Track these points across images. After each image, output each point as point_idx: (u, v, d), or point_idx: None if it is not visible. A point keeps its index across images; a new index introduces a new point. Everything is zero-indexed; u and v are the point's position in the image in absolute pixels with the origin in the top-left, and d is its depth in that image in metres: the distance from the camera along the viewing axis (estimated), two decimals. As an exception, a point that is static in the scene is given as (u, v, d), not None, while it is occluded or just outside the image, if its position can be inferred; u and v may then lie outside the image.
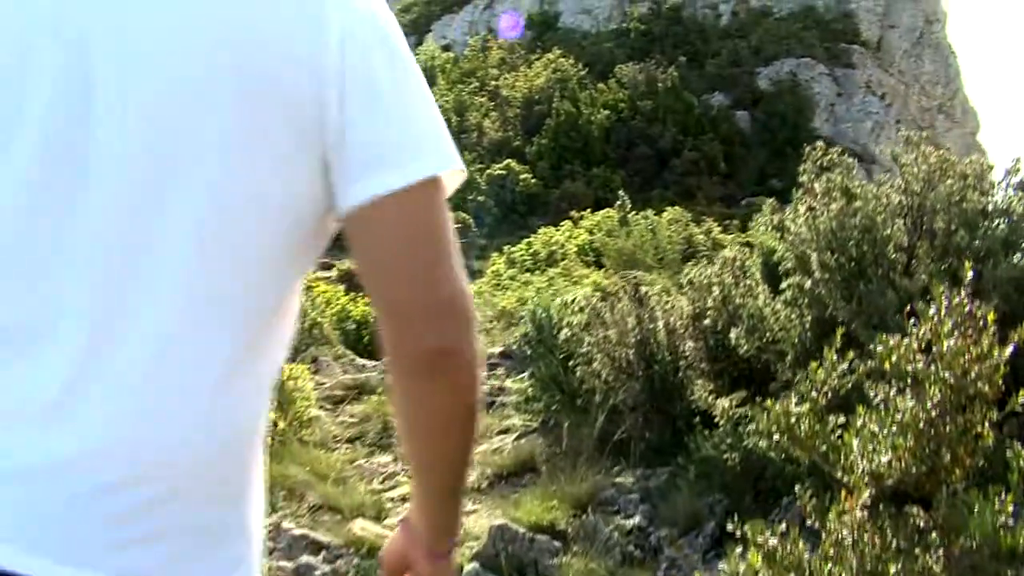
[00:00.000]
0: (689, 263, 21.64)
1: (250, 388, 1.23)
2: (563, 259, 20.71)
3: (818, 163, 5.25)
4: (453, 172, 1.25)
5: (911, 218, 4.65)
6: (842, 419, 2.74)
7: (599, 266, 20.96)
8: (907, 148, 4.92)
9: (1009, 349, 2.53)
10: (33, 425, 1.12)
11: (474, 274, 19.42)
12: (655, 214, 23.49)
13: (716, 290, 5.69)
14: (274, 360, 1.28)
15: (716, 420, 4.88)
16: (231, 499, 1.25)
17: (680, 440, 5.71)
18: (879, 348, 2.66)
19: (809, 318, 4.78)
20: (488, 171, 36.81)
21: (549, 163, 37.41)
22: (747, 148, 36.46)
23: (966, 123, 47.93)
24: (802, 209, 4.98)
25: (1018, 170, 4.64)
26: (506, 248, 24.09)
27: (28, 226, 1.13)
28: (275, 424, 6.53)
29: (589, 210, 26.53)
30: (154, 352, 1.14)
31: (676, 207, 26.23)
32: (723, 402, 4.74)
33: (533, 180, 35.97)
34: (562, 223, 24.29)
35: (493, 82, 46.91)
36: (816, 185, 5.09)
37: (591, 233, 23.86)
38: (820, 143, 5.51)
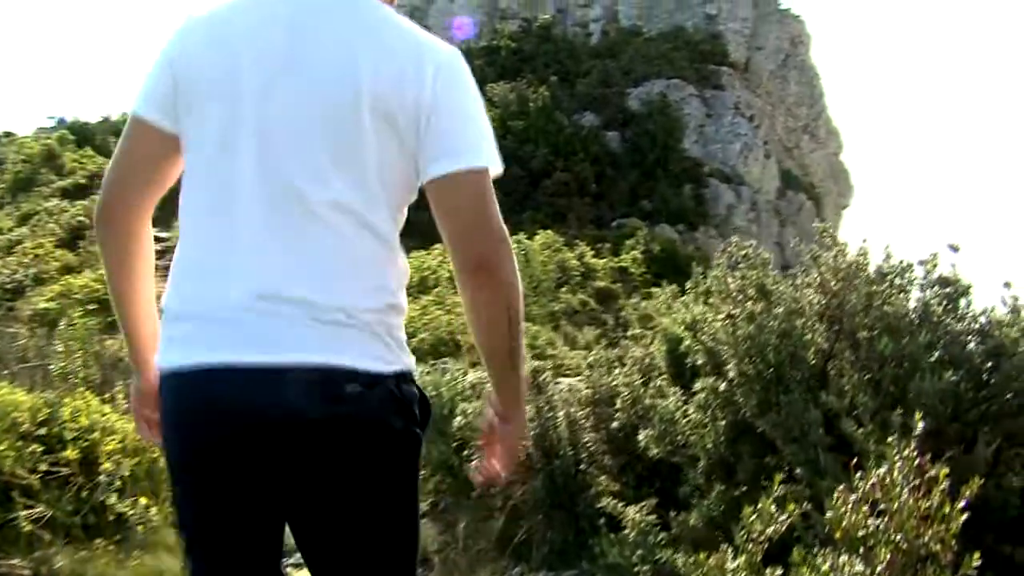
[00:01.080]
0: (592, 333, 20.94)
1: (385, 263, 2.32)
2: (436, 286, 20.02)
3: (732, 259, 4.88)
4: (495, 167, 2.23)
5: (830, 323, 4.31)
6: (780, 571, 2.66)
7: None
8: (824, 245, 4.57)
9: (962, 506, 2.38)
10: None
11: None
12: (527, 237, 23.06)
13: (624, 391, 5.24)
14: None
15: (622, 523, 4.49)
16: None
17: (585, 541, 5.29)
18: (828, 514, 2.45)
19: (723, 423, 4.41)
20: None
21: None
22: (618, 169, 36.41)
23: (830, 143, 48.90)
24: (720, 316, 4.60)
25: (935, 264, 4.32)
26: (376, 275, 23.54)
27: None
28: (147, 509, 5.84)
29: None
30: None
31: (548, 231, 25.86)
32: (632, 511, 4.32)
33: (404, 200, 35.31)
34: (433, 247, 23.76)
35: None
36: (730, 281, 4.71)
37: (463, 258, 23.44)
38: (734, 240, 5.10)
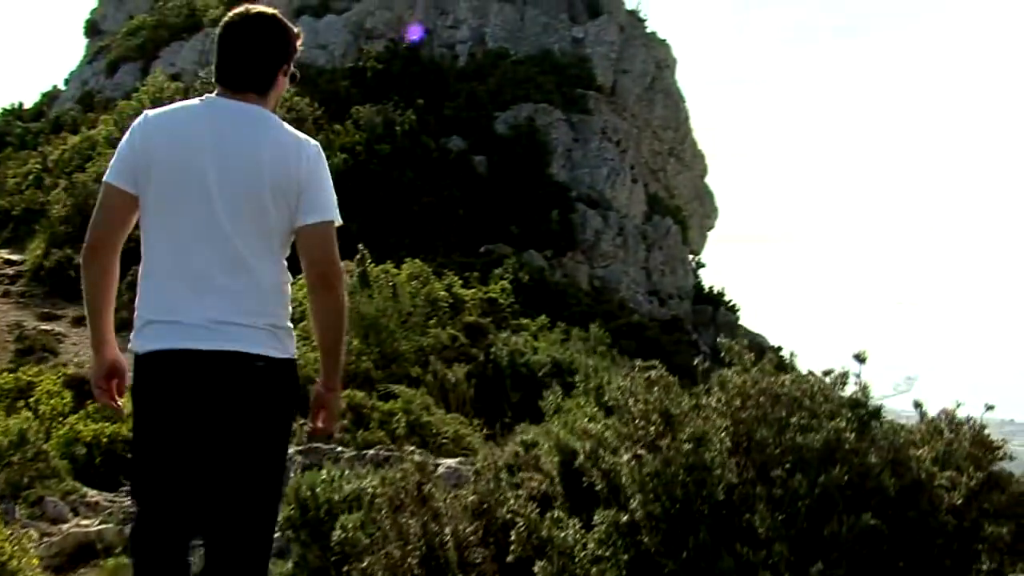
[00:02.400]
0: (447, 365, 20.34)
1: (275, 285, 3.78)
2: (303, 319, 19.20)
3: (644, 377, 4.57)
4: (338, 220, 3.77)
5: (741, 454, 4.04)
6: None
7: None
8: (738, 369, 4.31)
9: None
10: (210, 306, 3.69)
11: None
12: (395, 266, 22.55)
13: (520, 522, 4.86)
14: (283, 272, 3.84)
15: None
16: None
17: None
18: None
19: (626, 558, 4.10)
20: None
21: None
22: (485, 194, 36.13)
23: (695, 166, 49.48)
24: (624, 455, 4.28)
25: (845, 381, 4.10)
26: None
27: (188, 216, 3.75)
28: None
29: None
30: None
31: (416, 260, 25.35)
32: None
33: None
34: (299, 277, 22.94)
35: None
36: (632, 405, 4.41)
37: (329, 290, 22.72)
38: (638, 364, 4.78)
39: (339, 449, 7.20)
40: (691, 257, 42.99)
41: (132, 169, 3.75)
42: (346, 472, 6.39)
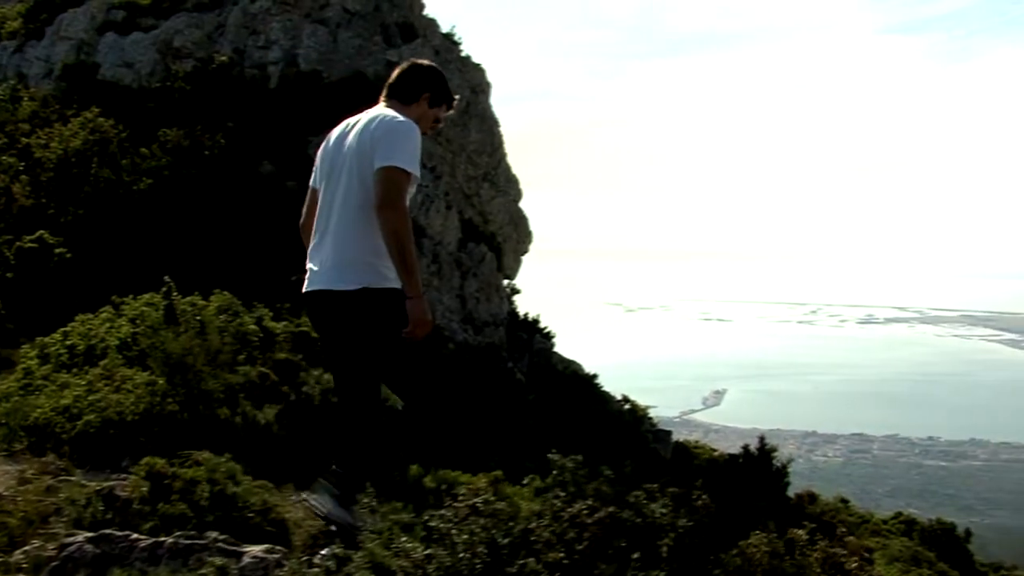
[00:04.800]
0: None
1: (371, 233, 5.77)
2: (103, 356, 18.08)
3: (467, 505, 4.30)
4: (404, 166, 5.74)
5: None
6: None
7: (145, 367, 18.64)
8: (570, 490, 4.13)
9: None
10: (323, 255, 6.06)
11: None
12: (203, 298, 21.69)
13: None
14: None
15: None
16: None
17: None
18: None
19: None
20: (18, 244, 33.33)
21: (88, 237, 34.36)
22: (297, 221, 35.45)
23: (509, 191, 49.65)
24: None
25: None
26: (39, 339, 21.22)
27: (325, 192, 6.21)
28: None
29: (131, 295, 24.33)
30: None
31: (225, 292, 24.50)
32: None
33: (70, 256, 32.81)
34: (102, 310, 21.96)
35: (24, 139, 42.62)
36: (456, 535, 4.15)
37: (135, 324, 21.62)
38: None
39: (133, 536, 6.73)
40: (506, 283, 43.13)
41: (317, 172, 6.59)
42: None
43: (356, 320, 5.66)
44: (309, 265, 6.06)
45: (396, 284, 5.65)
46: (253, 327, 23.85)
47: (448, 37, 49.55)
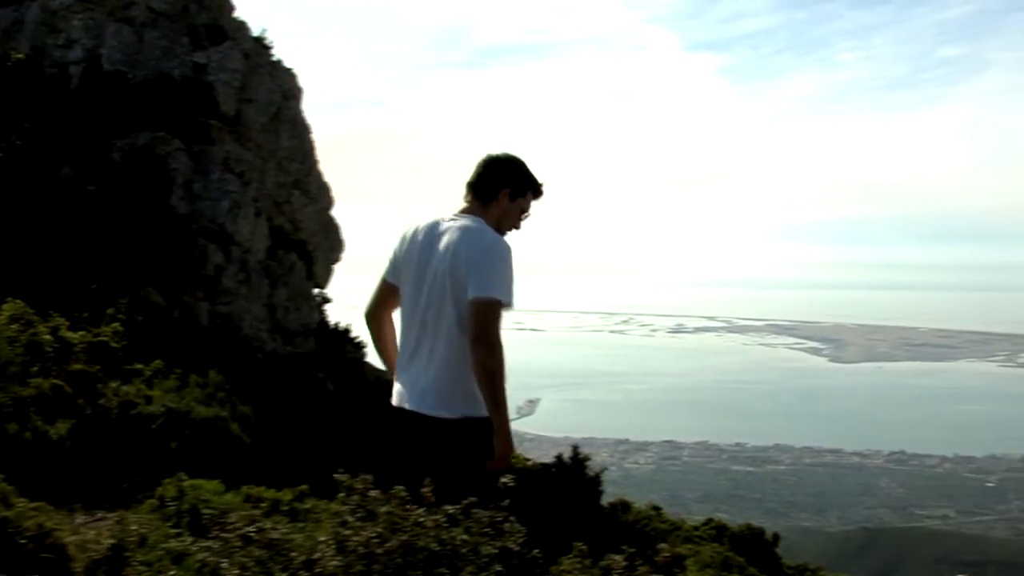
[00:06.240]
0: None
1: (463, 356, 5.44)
2: None
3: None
4: (501, 297, 5.43)
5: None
6: None
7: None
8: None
9: None
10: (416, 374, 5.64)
11: None
12: (-6, 307, 20.82)
13: None
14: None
15: None
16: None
17: None
18: None
19: None
20: None
21: None
22: (98, 226, 34.08)
23: (321, 199, 48.90)
24: None
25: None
26: None
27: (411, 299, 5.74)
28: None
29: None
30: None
31: (18, 300, 23.46)
32: None
33: None
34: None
35: None
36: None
37: (-86, 333, 20.54)
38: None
39: None
40: (316, 292, 42.51)
41: (392, 268, 6.17)
42: None
43: (453, 448, 5.50)
44: (398, 379, 5.80)
45: None
46: (48, 337, 22.73)
47: (259, 41, 48.48)
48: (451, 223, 5.74)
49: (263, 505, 11.10)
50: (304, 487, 13.00)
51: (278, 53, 49.20)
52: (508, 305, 5.49)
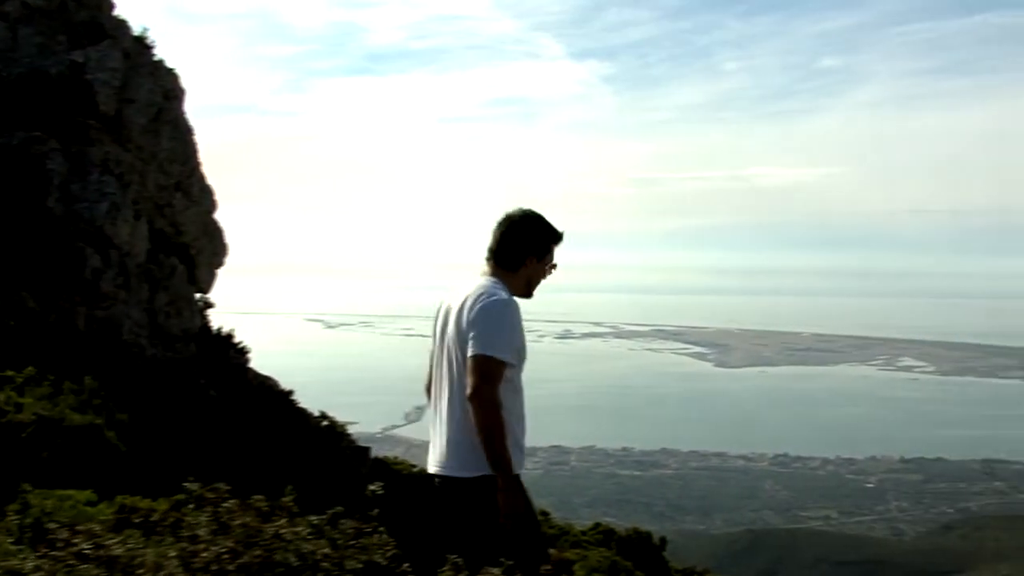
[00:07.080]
0: None
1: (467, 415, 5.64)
2: None
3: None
4: (493, 354, 5.57)
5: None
6: None
7: None
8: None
9: None
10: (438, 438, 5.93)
11: None
12: None
13: None
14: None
15: None
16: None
17: None
18: None
19: None
20: None
21: None
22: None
23: (203, 201, 47.85)
24: None
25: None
26: None
27: (436, 366, 5.97)
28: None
29: None
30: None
31: None
32: None
33: None
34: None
35: None
36: None
37: None
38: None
39: None
40: (198, 296, 41.57)
41: (433, 337, 6.31)
42: None
43: (472, 507, 5.64)
44: (431, 440, 6.11)
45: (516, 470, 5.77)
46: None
47: (140, 40, 47.29)
48: (472, 284, 5.94)
49: (135, 517, 10.58)
50: (181, 496, 12.46)
51: (160, 53, 47.94)
52: (503, 363, 5.56)
